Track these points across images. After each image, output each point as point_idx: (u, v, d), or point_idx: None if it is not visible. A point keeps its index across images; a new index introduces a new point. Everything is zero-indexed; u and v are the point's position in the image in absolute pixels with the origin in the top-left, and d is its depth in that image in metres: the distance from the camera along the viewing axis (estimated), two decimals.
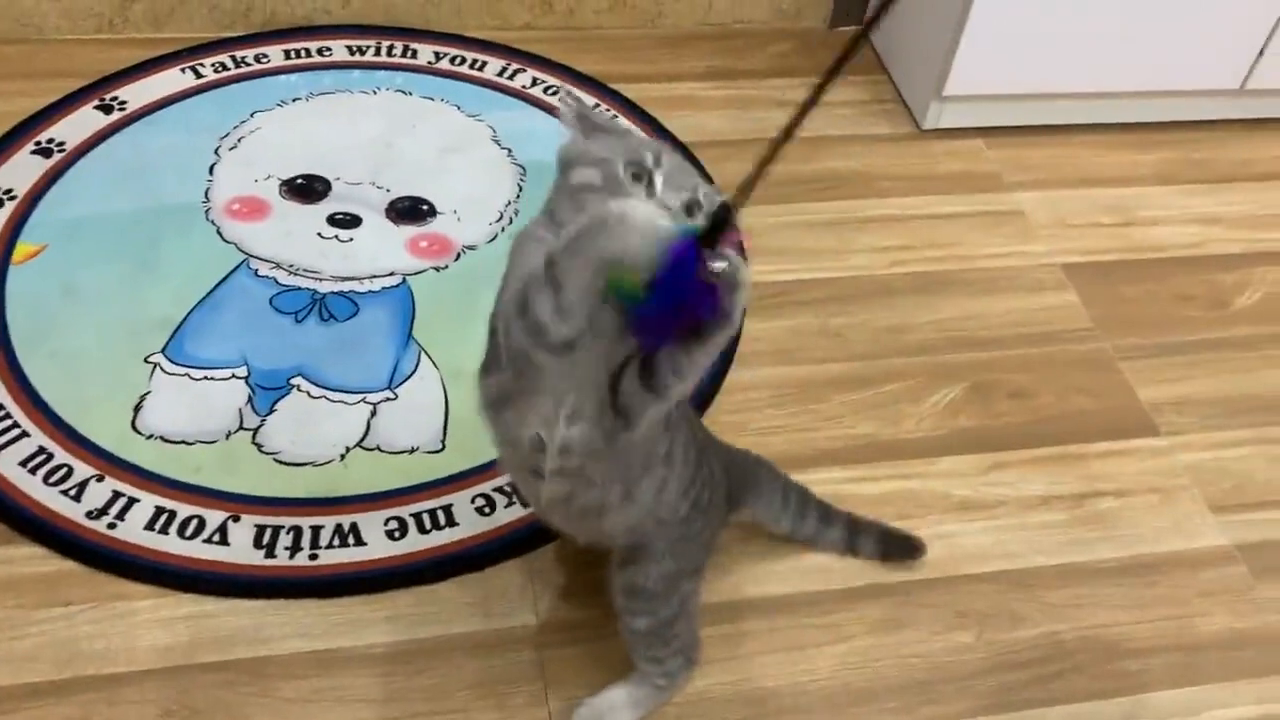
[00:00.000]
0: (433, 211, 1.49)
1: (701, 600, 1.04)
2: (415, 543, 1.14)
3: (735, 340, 1.38)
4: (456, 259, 1.44)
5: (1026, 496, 1.26)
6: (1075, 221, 1.62)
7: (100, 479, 1.16)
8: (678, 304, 0.70)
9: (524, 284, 0.76)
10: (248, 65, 1.68)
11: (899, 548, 1.17)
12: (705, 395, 1.31)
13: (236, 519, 1.14)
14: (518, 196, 1.53)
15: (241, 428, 1.22)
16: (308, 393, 1.26)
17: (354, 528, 1.15)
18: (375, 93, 1.66)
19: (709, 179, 1.57)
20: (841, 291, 1.46)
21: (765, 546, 1.17)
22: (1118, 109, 1.78)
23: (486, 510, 1.17)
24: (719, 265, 0.70)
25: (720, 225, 0.70)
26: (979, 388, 1.37)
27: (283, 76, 1.67)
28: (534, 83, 1.72)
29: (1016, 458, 1.30)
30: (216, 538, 1.12)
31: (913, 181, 1.64)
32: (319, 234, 1.43)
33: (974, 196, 1.63)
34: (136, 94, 1.61)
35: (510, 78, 1.72)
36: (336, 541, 1.13)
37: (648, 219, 0.71)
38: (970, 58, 1.63)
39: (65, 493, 1.15)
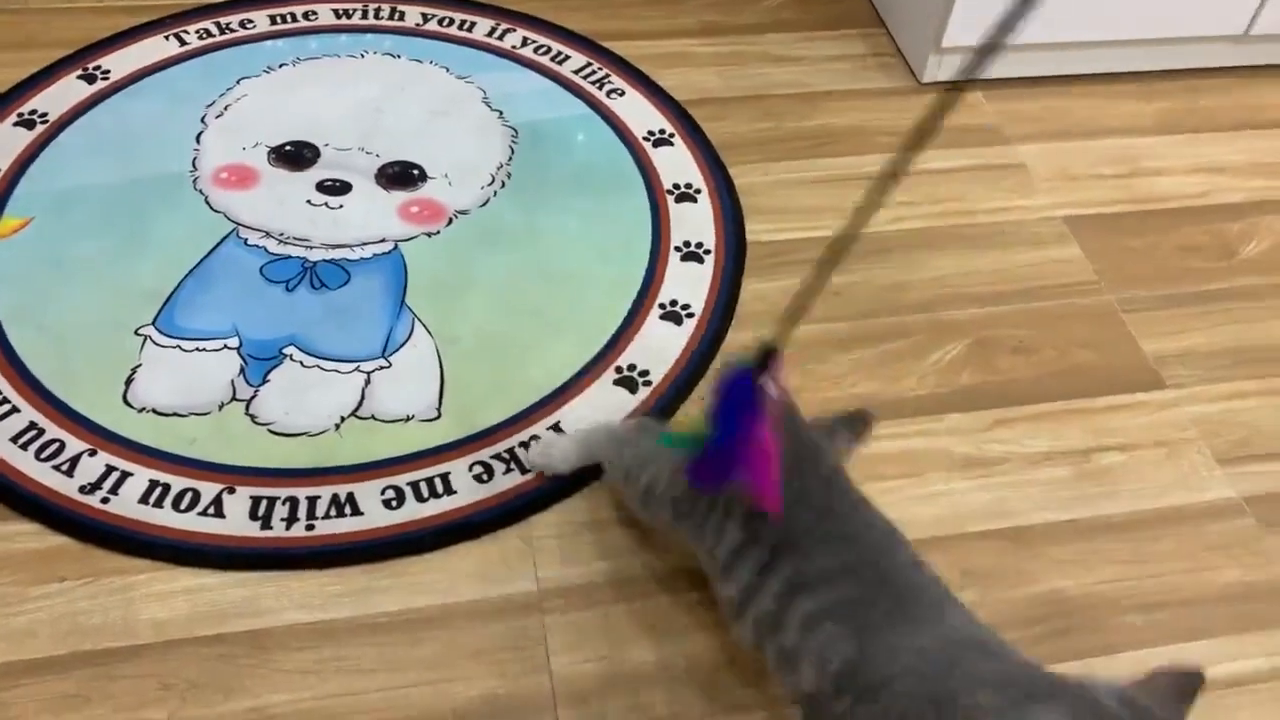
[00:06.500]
0: (423, 176, 1.46)
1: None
2: (413, 511, 1.13)
3: (733, 301, 1.36)
4: (449, 224, 1.41)
5: (1030, 453, 1.24)
6: (1077, 173, 1.59)
7: (93, 453, 1.15)
8: (737, 433, 0.75)
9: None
10: (233, 31, 1.65)
11: (861, 428, 1.11)
12: (705, 356, 1.29)
13: (232, 491, 1.13)
14: (510, 159, 1.50)
15: (235, 399, 1.21)
16: (300, 362, 1.24)
17: (350, 497, 1.13)
18: (362, 57, 1.63)
19: (707, 142, 1.52)
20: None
21: None
22: (1118, 58, 1.75)
23: (484, 478, 1.16)
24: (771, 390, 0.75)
25: (767, 358, 0.74)
26: (981, 344, 1.35)
27: (269, 42, 1.64)
28: (524, 42, 1.69)
29: (1020, 414, 1.28)
30: (212, 510, 1.11)
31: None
32: (308, 201, 1.41)
33: (974, 150, 1.60)
34: (119, 63, 1.58)
35: (500, 38, 1.69)
36: (333, 511, 1.12)
37: None
38: (968, 8, 1.59)
39: (58, 468, 1.13)
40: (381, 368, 1.25)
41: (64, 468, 1.13)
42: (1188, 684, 1.00)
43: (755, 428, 0.75)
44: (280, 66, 1.60)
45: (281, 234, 1.37)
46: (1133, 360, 1.35)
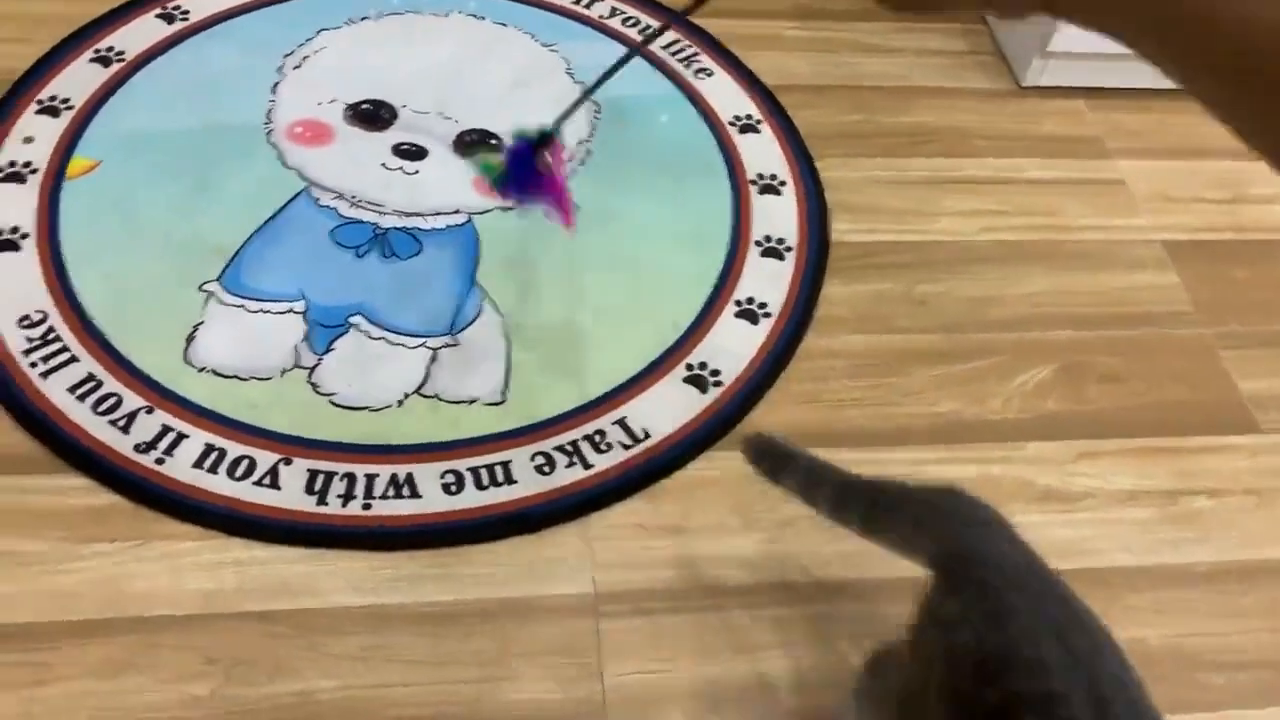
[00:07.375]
0: (502, 147, 1.41)
1: None
2: (472, 499, 1.09)
3: (813, 302, 1.31)
4: None
5: (1115, 490, 1.18)
6: (1179, 195, 1.52)
7: (150, 411, 1.12)
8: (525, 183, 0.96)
9: None
10: None
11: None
12: (780, 359, 1.24)
13: (288, 462, 1.10)
14: (590, 135, 1.45)
15: (297, 365, 1.17)
16: (367, 333, 1.21)
17: (409, 478, 1.10)
18: (446, 15, 1.58)
19: (795, 132, 1.43)
20: (928, 257, 1.38)
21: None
22: None
23: (546, 470, 1.12)
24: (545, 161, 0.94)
25: (546, 141, 0.93)
26: (1070, 369, 1.29)
27: None
28: (612, 13, 1.63)
29: (1106, 447, 1.22)
30: (267, 480, 1.08)
31: (1008, 142, 1.54)
32: (384, 165, 1.37)
33: (1072, 162, 1.53)
34: (199, 4, 1.54)
35: (587, 6, 1.64)
36: (391, 492, 1.09)
37: None
38: None
39: (114, 423, 1.10)
40: (449, 345, 1.21)
41: (120, 424, 1.11)
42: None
43: (539, 179, 0.96)
44: (361, 19, 1.55)
45: (354, 196, 1.33)
46: (1227, 399, 1.29)
